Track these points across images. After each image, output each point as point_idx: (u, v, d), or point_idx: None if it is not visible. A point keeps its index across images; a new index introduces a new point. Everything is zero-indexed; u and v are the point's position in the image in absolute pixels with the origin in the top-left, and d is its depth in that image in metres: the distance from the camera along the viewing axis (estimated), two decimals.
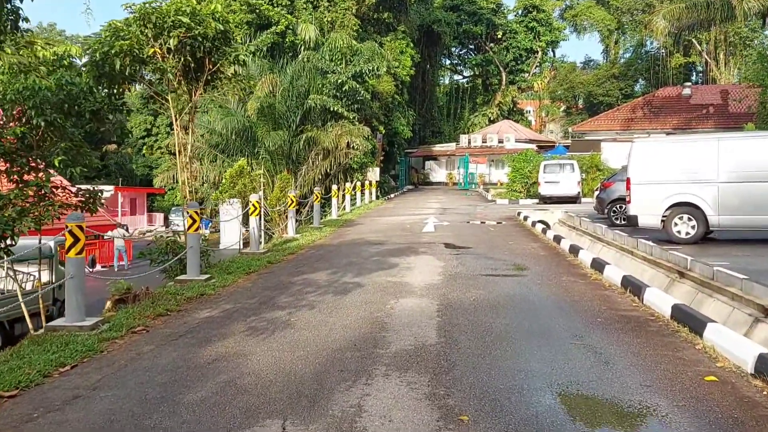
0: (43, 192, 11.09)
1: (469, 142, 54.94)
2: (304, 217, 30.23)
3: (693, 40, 61.25)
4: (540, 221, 20.19)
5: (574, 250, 13.55)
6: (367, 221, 22.94)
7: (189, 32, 11.61)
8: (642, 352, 6.45)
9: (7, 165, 11.15)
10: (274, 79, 31.21)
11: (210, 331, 7.53)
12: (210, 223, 34.98)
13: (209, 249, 12.30)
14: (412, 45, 45.28)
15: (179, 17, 11.38)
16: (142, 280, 10.90)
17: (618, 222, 18.12)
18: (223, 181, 21.66)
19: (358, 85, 32.78)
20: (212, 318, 8.22)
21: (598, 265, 11.33)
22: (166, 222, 48.10)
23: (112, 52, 10.59)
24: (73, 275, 7.65)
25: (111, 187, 46.82)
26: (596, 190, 21.93)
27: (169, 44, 11.39)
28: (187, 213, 10.81)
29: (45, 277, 15.79)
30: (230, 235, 29.16)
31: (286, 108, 31.92)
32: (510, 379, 5.62)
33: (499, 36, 65.90)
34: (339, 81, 32.20)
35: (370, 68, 33.16)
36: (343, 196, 29.05)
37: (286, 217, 18.33)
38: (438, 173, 58.44)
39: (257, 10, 35.22)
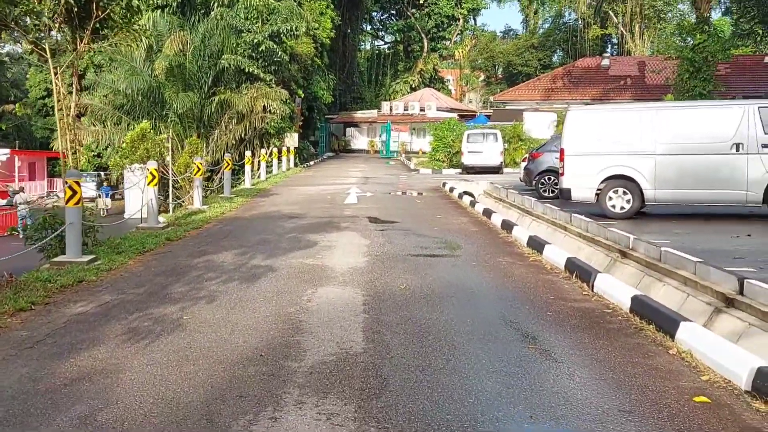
0: None
1: (391, 110, 53.64)
2: (216, 185, 28.34)
3: (610, 12, 61.63)
4: (465, 192, 19.15)
5: (507, 225, 12.47)
6: (283, 191, 21.34)
7: None
8: (609, 360, 5.31)
9: None
10: (185, 36, 28.90)
11: (78, 334, 5.96)
12: (109, 191, 32.48)
13: (96, 224, 10.53)
14: (332, 7, 43.27)
15: None
16: (19, 259, 9.12)
17: (547, 195, 17.24)
18: (123, 145, 19.59)
19: (275, 46, 30.78)
20: (85, 315, 6.62)
21: (537, 244, 10.26)
22: None
23: None
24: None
25: (7, 150, 43.17)
26: (523, 160, 21.04)
27: None
28: (66, 183, 9.04)
29: None
30: (135, 204, 26.95)
31: (197, 68, 29.66)
32: (459, 406, 4.35)
33: (421, 2, 64.42)
34: (255, 41, 30.11)
35: (288, 28, 31.16)
36: (258, 163, 27.26)
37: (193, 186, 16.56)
38: (359, 140, 56.89)
39: None
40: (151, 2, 33.38)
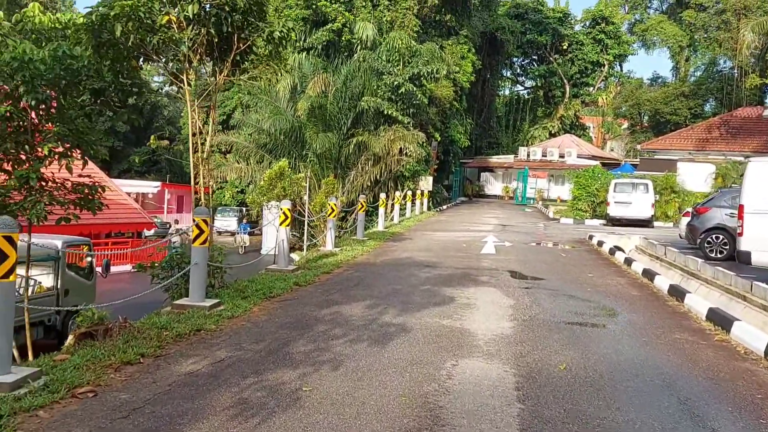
0: (29, 186, 8.96)
1: (528, 155, 51.85)
2: (350, 225, 27.89)
3: None
4: (617, 247, 17.31)
5: (677, 292, 10.69)
6: (416, 236, 20.33)
7: None
8: None
9: None
10: (327, 78, 29.02)
11: (182, 402, 5.05)
12: (248, 228, 32.86)
13: (224, 265, 9.90)
14: (473, 51, 42.53)
15: None
16: (150, 297, 8.57)
17: (714, 255, 15.11)
18: (261, 182, 19.45)
19: (415, 88, 30.23)
20: (195, 376, 5.75)
21: (722, 319, 8.50)
22: (212, 221, 46.35)
23: (112, 14, 8.27)
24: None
25: (158, 183, 45.32)
26: (684, 215, 18.79)
27: (187, 11, 9.03)
28: (194, 221, 8.41)
29: (48, 282, 13.69)
30: (272, 241, 26.99)
31: (337, 109, 29.68)
32: None
33: (565, 47, 62.51)
34: (395, 83, 29.71)
35: (429, 71, 30.54)
36: (392, 205, 26.54)
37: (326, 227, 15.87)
38: (493, 186, 55.38)
39: (314, 6, 33.07)
40: (297, 44, 34.23)
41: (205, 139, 10.06)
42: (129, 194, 34.42)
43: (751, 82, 59.60)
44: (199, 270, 8.41)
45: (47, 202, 9.02)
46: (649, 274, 12.80)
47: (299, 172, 29.35)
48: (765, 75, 60.59)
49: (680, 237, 18.33)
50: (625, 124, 71.55)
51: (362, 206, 18.11)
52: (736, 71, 62.61)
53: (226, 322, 7.79)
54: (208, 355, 6.36)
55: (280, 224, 11.82)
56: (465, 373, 6.11)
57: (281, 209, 11.81)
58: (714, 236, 15.42)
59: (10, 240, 5.13)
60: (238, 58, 10.25)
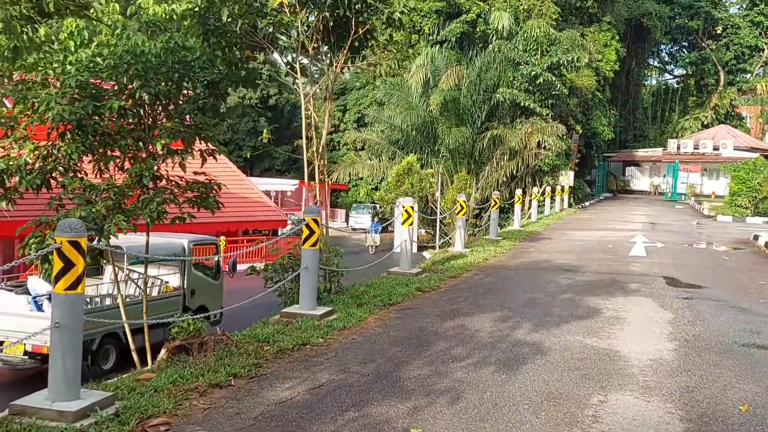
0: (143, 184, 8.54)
1: (678, 148, 47.93)
2: (484, 223, 26.56)
3: None
4: None
5: None
6: (555, 235, 18.72)
7: None
8: None
9: (102, 150, 8.67)
10: (460, 71, 27.80)
11: None
12: (379, 227, 32.27)
13: (340, 269, 9.05)
14: (617, 38, 39.66)
15: None
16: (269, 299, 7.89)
17: None
18: (389, 179, 18.63)
19: (554, 78, 28.34)
20: (287, 406, 4.84)
21: None
22: (347, 219, 46.44)
23: None
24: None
25: (296, 182, 45.92)
26: None
27: None
28: (303, 221, 7.59)
29: (175, 281, 13.51)
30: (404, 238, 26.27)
31: (471, 102, 28.43)
32: None
33: (719, 31, 57.30)
34: (532, 73, 27.98)
35: (569, 59, 28.48)
36: (530, 202, 24.93)
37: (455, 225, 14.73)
38: (640, 181, 51.70)
39: None
40: (431, 38, 33.26)
41: (321, 133, 9.25)
42: (269, 192, 34.94)
43: None
44: (309, 275, 7.58)
45: (160, 201, 8.56)
46: None
47: (431, 167, 28.44)
48: None
49: None
50: None
51: (496, 203, 16.81)
52: None
53: (335, 334, 6.89)
54: (307, 378, 5.45)
55: (402, 223, 10.84)
56: (617, 413, 4.81)
57: (404, 207, 10.84)
58: None
59: (77, 246, 4.44)
60: (356, 44, 9.38)
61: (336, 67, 9.17)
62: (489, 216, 26.15)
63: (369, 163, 30.82)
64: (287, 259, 8.72)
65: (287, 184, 45.13)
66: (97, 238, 7.65)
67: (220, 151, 9.78)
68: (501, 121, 28.77)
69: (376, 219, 37.16)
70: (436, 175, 25.19)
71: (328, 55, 9.54)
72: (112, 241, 7.75)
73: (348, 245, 28.78)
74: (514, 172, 27.65)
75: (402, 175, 17.58)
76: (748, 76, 58.90)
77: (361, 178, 41.53)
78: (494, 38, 30.42)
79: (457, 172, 26.99)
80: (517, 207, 20.41)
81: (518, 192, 20.84)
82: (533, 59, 28.91)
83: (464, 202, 13.99)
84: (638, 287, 10.44)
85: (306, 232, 7.55)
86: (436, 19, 32.62)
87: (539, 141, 27.28)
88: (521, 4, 32.86)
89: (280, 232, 30.17)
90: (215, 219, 25.05)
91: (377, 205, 40.82)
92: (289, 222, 32.62)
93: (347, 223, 45.95)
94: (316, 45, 9.06)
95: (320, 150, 9.13)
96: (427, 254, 24.23)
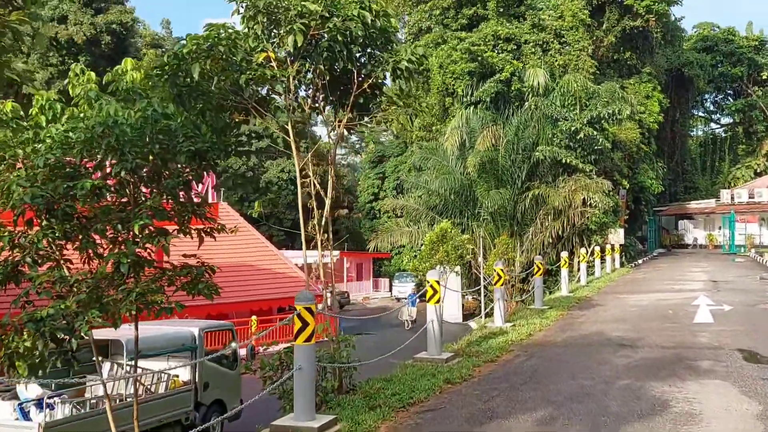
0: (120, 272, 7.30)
1: (732, 198, 45.34)
2: (531, 288, 24.78)
3: None
4: None
5: None
6: (608, 300, 16.85)
7: (323, 25, 7.25)
8: None
9: (81, 236, 7.49)
10: (497, 131, 26.58)
11: None
12: (415, 299, 30.56)
13: (352, 363, 7.54)
14: (659, 89, 38.07)
15: (304, 2, 7.06)
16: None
17: None
18: (422, 247, 17.21)
19: (595, 132, 26.81)
20: None
21: None
22: (391, 288, 44.91)
23: (185, 51, 6.48)
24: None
25: (337, 252, 44.89)
26: None
27: (287, 44, 7.06)
28: (294, 310, 6.19)
29: (186, 375, 12.14)
30: (448, 308, 24.45)
31: (510, 162, 27.09)
32: None
33: (765, 77, 55.17)
34: (572, 128, 26.52)
35: (610, 112, 26.97)
36: (578, 264, 23.07)
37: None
38: (694, 234, 48.88)
39: (479, 58, 30.93)
40: (465, 99, 32.20)
41: (324, 203, 7.92)
42: (310, 265, 33.70)
43: None
44: (304, 377, 6.13)
45: (140, 292, 7.29)
46: None
47: (472, 232, 26.94)
48: None
49: None
50: None
51: (540, 269, 15.16)
52: None
53: None
54: None
55: (428, 300, 9.34)
56: None
57: (428, 281, 9.36)
58: None
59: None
60: (362, 100, 8.14)
61: (339, 126, 7.90)
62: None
63: (407, 230, 29.48)
64: (285, 354, 7.28)
65: (327, 256, 44.02)
66: (67, 338, 6.46)
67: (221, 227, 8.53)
68: (543, 180, 27.26)
69: (413, 290, 35.43)
70: (476, 240, 23.70)
71: (329, 112, 8.32)
72: (113, 333, 6.63)
73: (389, 319, 27.10)
74: (560, 232, 25.88)
75: (435, 242, 16.06)
76: None
77: (404, 246, 40.19)
78: (530, 95, 29.26)
79: (499, 235, 25.46)
80: (564, 271, 18.65)
81: (564, 255, 19.08)
82: (572, 114, 27.49)
83: (502, 270, 12.45)
84: (711, 366, 8.67)
85: (298, 323, 6.15)
86: (469, 80, 31.60)
87: (584, 198, 25.56)
88: (556, 60, 31.74)
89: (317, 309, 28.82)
90: (247, 297, 24.06)
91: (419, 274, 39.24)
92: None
93: (391, 293, 44.41)
94: (315, 104, 7.84)
95: (324, 222, 7.77)
96: (474, 324, 22.51)
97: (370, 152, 53.99)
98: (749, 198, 44.65)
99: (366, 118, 8.20)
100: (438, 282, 9.36)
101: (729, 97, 59.53)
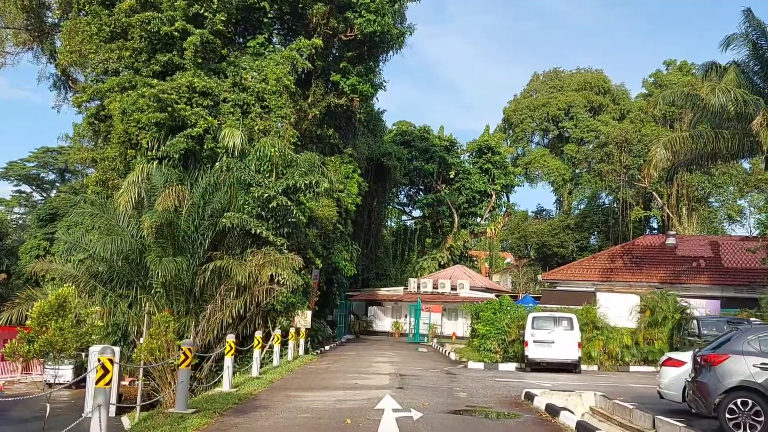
0: None
1: (419, 287, 46.13)
2: (205, 375, 20.43)
3: (654, 193, 55.80)
4: (586, 426, 11.00)
5: None
6: (277, 401, 13.11)
7: None
8: None
9: None
10: (182, 190, 22.30)
11: None
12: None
13: None
14: (359, 172, 37.34)
15: None
16: None
17: None
18: (28, 322, 12.13)
19: (290, 203, 23.97)
20: None
21: None
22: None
23: None
24: None
25: None
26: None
27: None
28: None
29: None
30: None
31: (193, 228, 22.79)
32: None
33: (452, 176, 59.16)
34: (266, 195, 23.36)
35: (307, 183, 24.44)
36: (262, 349, 19.33)
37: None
38: (383, 321, 48.59)
39: (170, 108, 26.52)
40: (149, 153, 27.44)
41: None
42: None
43: (636, 215, 58.01)
44: None
45: None
46: None
47: (143, 305, 22.00)
48: (650, 207, 59.38)
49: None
50: (508, 258, 68.31)
51: (185, 359, 10.99)
52: (615, 205, 61.41)
53: None
54: None
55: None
56: None
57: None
58: (741, 402, 9.43)
59: None
60: None
61: None
62: (212, 364, 20.15)
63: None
64: None
65: None
66: None
67: None
68: (230, 252, 23.42)
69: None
70: (141, 316, 18.90)
71: None
72: None
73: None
74: (242, 312, 22.07)
75: (47, 314, 11.14)
76: (479, 219, 60.96)
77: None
78: (224, 157, 25.68)
79: (177, 311, 21.00)
80: (228, 360, 14.61)
81: (230, 339, 14.98)
82: (267, 181, 24.42)
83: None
84: None
85: None
86: (157, 132, 26.92)
87: (272, 275, 22.25)
88: (256, 124, 28.58)
89: None
90: None
91: (82, 354, 32.34)
92: None
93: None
94: None
95: None
96: (126, 420, 16.70)
97: (41, 210, 45.70)
98: (433, 288, 45.78)
99: None
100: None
101: (421, 191, 62.83)
